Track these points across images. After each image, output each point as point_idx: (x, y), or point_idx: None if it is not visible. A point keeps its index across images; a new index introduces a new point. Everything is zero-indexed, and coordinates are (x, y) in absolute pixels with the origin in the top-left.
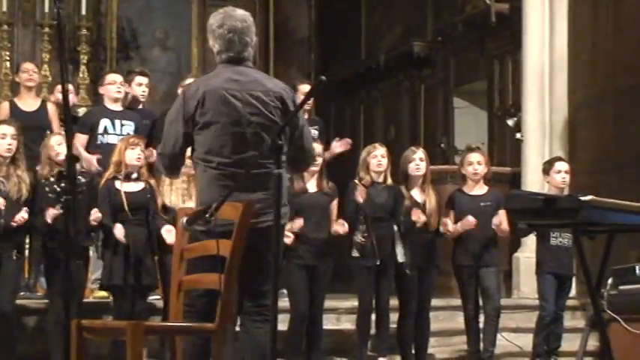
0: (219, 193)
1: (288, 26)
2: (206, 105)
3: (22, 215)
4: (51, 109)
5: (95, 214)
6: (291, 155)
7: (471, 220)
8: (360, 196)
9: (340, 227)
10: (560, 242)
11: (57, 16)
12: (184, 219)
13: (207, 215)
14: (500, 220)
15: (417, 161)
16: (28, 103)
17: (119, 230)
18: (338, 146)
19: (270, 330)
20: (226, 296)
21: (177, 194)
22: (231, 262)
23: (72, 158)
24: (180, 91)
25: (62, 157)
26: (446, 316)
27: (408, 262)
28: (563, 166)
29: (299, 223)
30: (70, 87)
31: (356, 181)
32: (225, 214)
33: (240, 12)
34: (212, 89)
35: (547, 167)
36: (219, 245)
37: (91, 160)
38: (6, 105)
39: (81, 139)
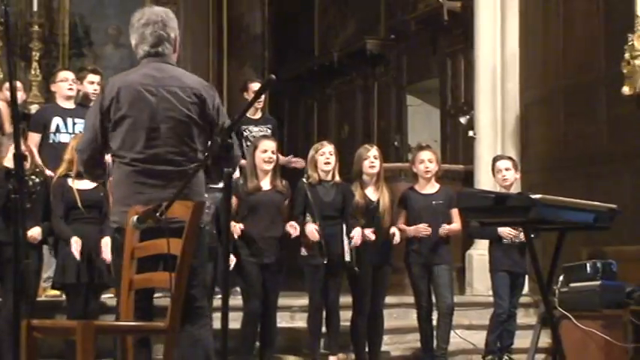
0: (133, 190)
1: (242, 23)
2: (121, 100)
3: None
4: (2, 107)
5: (32, 234)
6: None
7: (422, 228)
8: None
9: (292, 229)
10: (512, 240)
11: (4, 14)
12: (135, 217)
13: (157, 214)
14: (449, 229)
15: (372, 159)
16: None
17: (75, 245)
18: (292, 162)
19: (212, 330)
20: (177, 295)
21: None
22: (182, 261)
23: (20, 157)
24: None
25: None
26: (400, 314)
27: (354, 260)
28: (503, 164)
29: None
30: (19, 84)
31: (304, 179)
32: (176, 212)
33: (159, 8)
34: (127, 84)
35: (492, 166)
36: (170, 244)
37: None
38: None
39: (34, 139)
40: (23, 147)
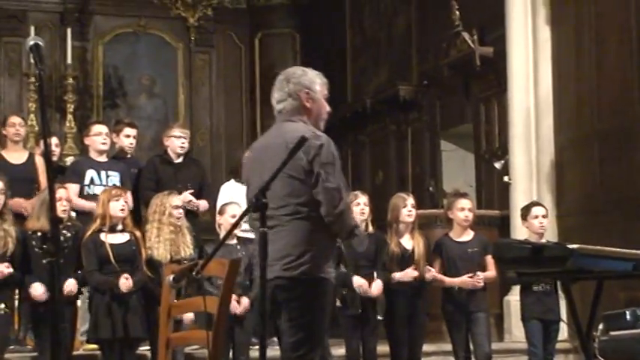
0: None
1: (274, 71)
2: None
3: (2, 270)
4: (39, 161)
5: (67, 288)
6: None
7: (469, 281)
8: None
9: None
10: (543, 287)
11: (39, 78)
12: (171, 277)
13: (193, 273)
14: (485, 276)
15: (409, 207)
16: (16, 156)
17: (125, 281)
18: None
19: None
20: (215, 353)
21: (165, 245)
22: (218, 319)
23: (55, 220)
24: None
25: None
26: None
27: (382, 309)
28: (539, 210)
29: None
30: (55, 140)
31: None
32: (212, 271)
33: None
34: (255, 147)
35: (524, 213)
36: (207, 302)
37: (85, 206)
38: None
39: (73, 189)
40: (65, 202)
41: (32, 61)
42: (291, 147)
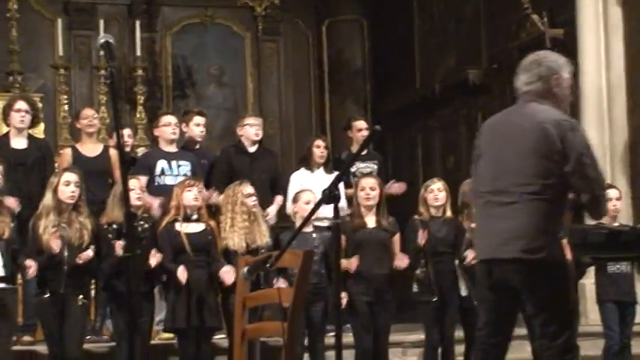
0: (484, 224)
1: (342, 58)
2: (480, 138)
3: (88, 253)
4: (112, 154)
5: (155, 256)
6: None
7: None
8: (422, 239)
9: (400, 262)
10: (618, 269)
11: (110, 74)
12: (245, 269)
13: (267, 265)
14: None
15: None
16: (90, 148)
17: (181, 273)
18: (392, 188)
19: None
20: (290, 344)
21: (239, 235)
22: (293, 311)
23: (129, 215)
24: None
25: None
26: (514, 346)
27: (471, 294)
28: (613, 193)
29: (355, 262)
30: (128, 131)
31: (416, 216)
32: (287, 262)
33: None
34: (493, 123)
35: None
36: (282, 293)
37: (152, 205)
38: (68, 151)
39: (142, 182)
40: (138, 194)
41: (104, 58)
42: (547, 127)
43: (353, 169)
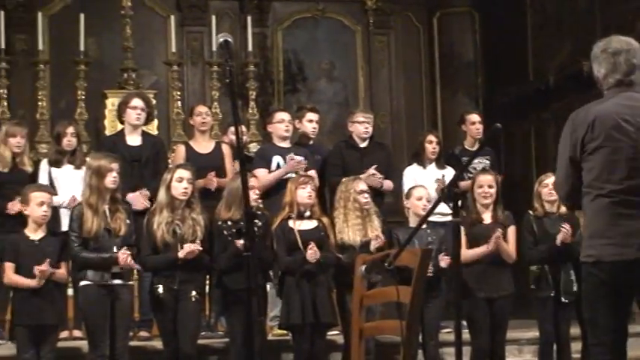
0: (610, 222)
1: (454, 50)
2: (596, 130)
3: (192, 247)
4: (225, 150)
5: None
6: None
7: None
8: (565, 235)
9: (509, 257)
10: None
11: (228, 74)
12: (363, 267)
13: (385, 263)
14: None
15: None
16: (203, 145)
17: (311, 254)
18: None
19: None
20: (408, 342)
21: (354, 230)
22: (411, 309)
23: (250, 215)
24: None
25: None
26: (631, 343)
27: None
28: None
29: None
30: (242, 128)
31: (530, 212)
32: (404, 260)
33: (625, 38)
34: (603, 114)
35: None
36: (400, 292)
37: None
38: (182, 148)
39: (262, 173)
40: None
41: (222, 56)
42: None
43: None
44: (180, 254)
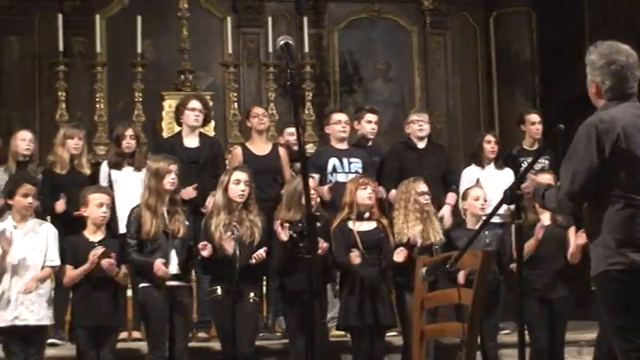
0: (635, 231)
1: (511, 49)
2: (624, 139)
3: (261, 253)
4: (282, 152)
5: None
6: None
7: None
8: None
9: (575, 257)
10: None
11: (289, 76)
12: (424, 269)
13: (447, 265)
14: None
15: None
16: (260, 147)
17: (354, 257)
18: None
19: None
20: (469, 344)
21: (414, 232)
22: (473, 311)
23: (311, 217)
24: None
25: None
26: None
27: None
28: None
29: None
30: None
31: None
32: (466, 262)
33: (624, 47)
34: (628, 124)
35: None
36: (461, 294)
37: (324, 191)
38: (239, 150)
39: (315, 180)
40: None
41: (283, 60)
42: None
43: (525, 165)
44: (252, 261)
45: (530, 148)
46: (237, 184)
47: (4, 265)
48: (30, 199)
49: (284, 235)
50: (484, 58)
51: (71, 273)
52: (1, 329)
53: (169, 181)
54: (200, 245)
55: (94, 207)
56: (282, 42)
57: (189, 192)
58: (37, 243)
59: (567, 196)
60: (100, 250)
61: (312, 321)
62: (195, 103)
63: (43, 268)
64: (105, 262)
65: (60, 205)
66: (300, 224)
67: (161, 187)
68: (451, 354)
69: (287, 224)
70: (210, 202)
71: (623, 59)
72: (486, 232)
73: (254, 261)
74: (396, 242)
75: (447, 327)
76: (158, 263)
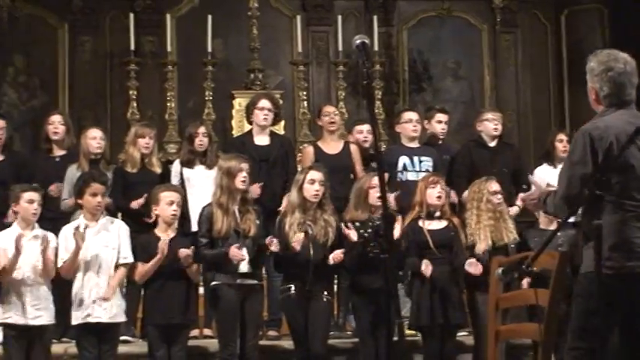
0: (632, 235)
1: (582, 47)
2: (618, 146)
3: (339, 254)
4: (353, 149)
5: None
6: None
7: None
8: None
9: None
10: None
11: (365, 76)
12: (500, 269)
13: (523, 266)
14: None
15: None
16: (331, 145)
17: (426, 267)
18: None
19: None
20: (546, 346)
21: (486, 232)
22: (550, 312)
23: (389, 217)
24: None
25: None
26: None
27: None
28: None
29: None
30: (367, 127)
31: None
32: (542, 263)
33: (623, 55)
34: (621, 131)
35: None
36: (538, 295)
37: (390, 200)
38: (310, 149)
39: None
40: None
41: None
42: None
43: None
44: (331, 262)
45: None
46: (312, 183)
47: (78, 263)
48: (99, 199)
49: (353, 235)
50: (555, 56)
51: (143, 268)
52: (75, 326)
53: (241, 179)
54: (267, 240)
55: (164, 205)
56: (358, 41)
57: (254, 190)
58: (109, 241)
59: (563, 201)
60: (168, 239)
61: (388, 320)
62: (264, 102)
63: (116, 265)
64: (182, 251)
65: (137, 203)
66: (370, 223)
67: (233, 185)
68: (522, 354)
69: (356, 223)
70: (285, 201)
71: (621, 66)
72: (558, 233)
73: (332, 262)
74: (468, 243)
75: (522, 328)
76: (233, 248)
